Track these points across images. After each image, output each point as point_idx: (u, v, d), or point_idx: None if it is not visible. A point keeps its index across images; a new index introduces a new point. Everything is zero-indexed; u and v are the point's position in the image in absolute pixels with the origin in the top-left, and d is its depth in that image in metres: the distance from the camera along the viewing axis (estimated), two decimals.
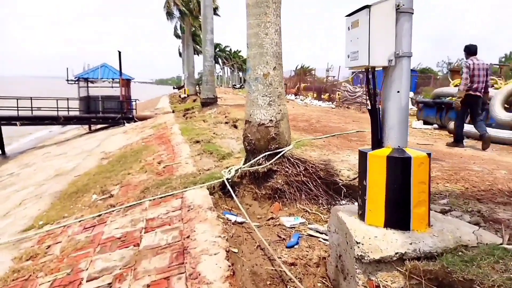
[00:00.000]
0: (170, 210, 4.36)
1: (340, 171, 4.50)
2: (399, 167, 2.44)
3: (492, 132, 6.91)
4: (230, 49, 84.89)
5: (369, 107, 2.68)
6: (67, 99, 19.11)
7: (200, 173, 5.65)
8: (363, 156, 2.62)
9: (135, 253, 3.44)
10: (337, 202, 4.46)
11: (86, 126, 20.24)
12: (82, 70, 21.07)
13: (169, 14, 30.44)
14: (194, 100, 23.59)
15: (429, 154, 2.46)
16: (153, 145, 9.36)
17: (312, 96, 24.31)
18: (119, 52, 18.17)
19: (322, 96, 23.86)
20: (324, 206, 4.54)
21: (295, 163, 4.98)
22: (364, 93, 17.61)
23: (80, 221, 4.78)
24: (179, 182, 5.27)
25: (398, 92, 2.53)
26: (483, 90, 6.56)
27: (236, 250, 3.39)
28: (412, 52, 2.49)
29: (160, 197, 4.84)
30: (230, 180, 5.00)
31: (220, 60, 79.72)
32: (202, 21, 15.96)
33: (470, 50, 6.66)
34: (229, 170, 5.07)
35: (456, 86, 10.69)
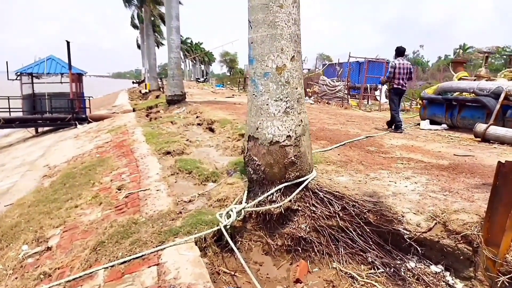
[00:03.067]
0: None
1: (403, 215, 2.96)
2: None
3: None
4: (191, 41, 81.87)
5: None
6: (8, 98, 16.39)
7: (181, 212, 3.92)
8: None
9: None
10: (400, 263, 2.92)
11: (32, 129, 17.58)
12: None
13: (127, 1, 27.77)
14: (157, 96, 21.44)
15: None
16: (110, 157, 7.43)
17: None
18: (68, 43, 15.61)
19: None
20: (378, 268, 2.99)
21: (325, 198, 3.39)
22: (345, 87, 16.33)
23: None
24: (151, 230, 3.53)
25: None
26: (405, 85, 8.01)
27: None
28: None
29: (123, 262, 3.09)
30: (228, 226, 3.34)
31: (181, 53, 76.54)
32: (165, 5, 13.89)
33: (399, 51, 8.05)
34: (228, 213, 3.39)
35: (460, 79, 9.54)
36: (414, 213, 2.97)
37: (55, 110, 17.14)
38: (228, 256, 3.36)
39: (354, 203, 3.20)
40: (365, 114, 12.39)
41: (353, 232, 3.16)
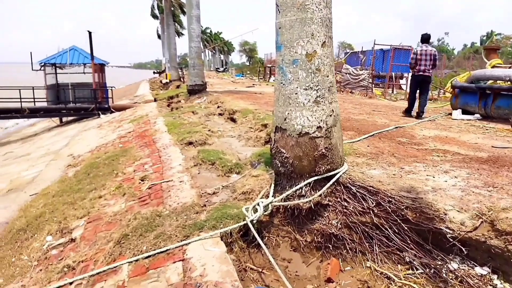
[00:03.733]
0: None
1: (445, 213, 2.74)
2: None
3: None
4: (211, 31, 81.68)
5: None
6: (33, 88, 16.67)
7: (205, 205, 3.81)
8: None
9: None
10: (441, 263, 2.71)
11: (56, 118, 17.90)
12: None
13: None
14: (178, 86, 21.44)
15: None
16: (133, 147, 7.40)
17: None
18: (89, 33, 15.71)
19: None
20: (417, 268, 2.79)
21: (358, 193, 3.19)
22: (369, 75, 15.88)
23: None
24: (175, 223, 3.42)
25: None
26: (429, 71, 7.90)
27: None
28: None
29: (147, 257, 2.99)
30: (255, 221, 3.20)
31: (201, 43, 76.42)
32: None
33: (422, 38, 8.07)
34: (254, 207, 3.25)
35: (493, 66, 9.04)
36: (458, 211, 2.75)
37: (78, 100, 17.37)
38: (255, 252, 3.23)
39: (390, 199, 3.00)
40: (390, 104, 11.99)
41: (389, 230, 2.97)
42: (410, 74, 17.51)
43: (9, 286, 3.26)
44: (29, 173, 8.21)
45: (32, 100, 16.47)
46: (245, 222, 3.16)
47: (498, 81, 7.79)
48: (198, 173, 5.09)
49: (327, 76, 3.20)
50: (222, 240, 3.09)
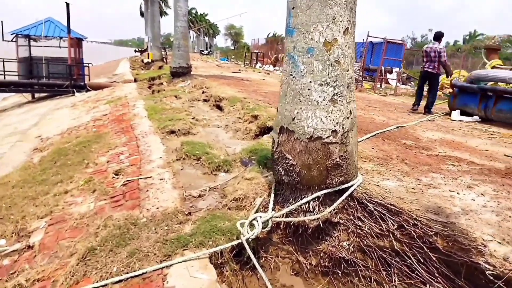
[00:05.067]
0: None
1: (484, 244, 2.27)
2: None
3: None
4: (196, 12, 79.42)
5: None
6: (3, 60, 15.43)
7: (190, 213, 3.24)
8: None
9: None
10: None
11: (28, 94, 16.71)
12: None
13: None
14: (160, 67, 20.48)
15: None
16: (108, 133, 6.70)
17: None
18: (67, 4, 14.59)
19: None
20: None
21: (375, 211, 2.69)
22: (359, 68, 15.44)
23: None
24: (154, 236, 2.85)
25: None
26: (435, 69, 8.17)
27: None
28: None
29: (118, 281, 2.42)
30: (251, 239, 2.66)
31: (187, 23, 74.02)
32: None
33: (434, 36, 8.49)
34: (251, 222, 2.70)
35: (493, 67, 8.72)
36: (499, 242, 2.29)
37: (52, 75, 16.20)
38: (249, 275, 2.71)
39: (415, 222, 2.51)
40: (382, 99, 11.59)
41: (412, 258, 2.49)
42: (400, 69, 17.22)
43: None
44: None
45: (2, 73, 15.26)
46: (239, 240, 2.62)
47: (499, 83, 7.45)
48: (181, 169, 4.51)
49: (347, 71, 2.66)
50: (211, 261, 2.55)
